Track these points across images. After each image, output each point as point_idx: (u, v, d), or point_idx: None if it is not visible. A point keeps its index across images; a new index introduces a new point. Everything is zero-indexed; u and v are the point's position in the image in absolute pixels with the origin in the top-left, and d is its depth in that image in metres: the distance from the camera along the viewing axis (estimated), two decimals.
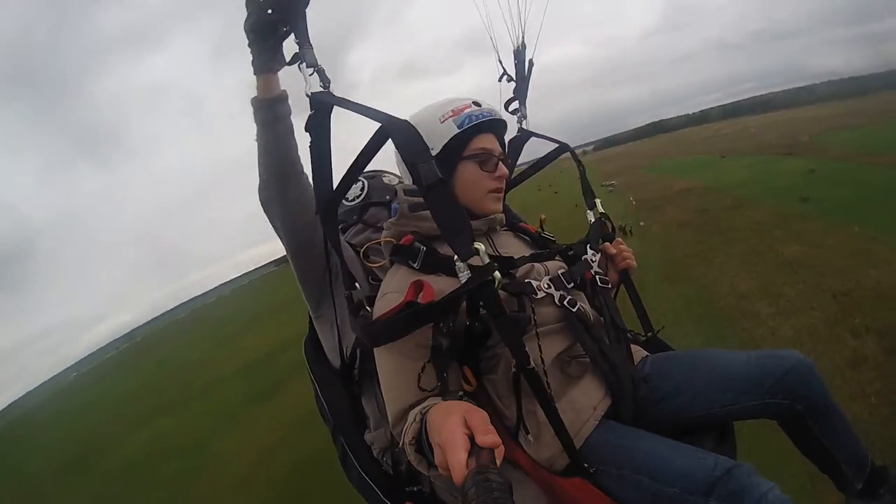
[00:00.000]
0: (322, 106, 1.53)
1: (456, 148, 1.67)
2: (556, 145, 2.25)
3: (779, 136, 26.93)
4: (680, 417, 1.63)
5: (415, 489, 1.75)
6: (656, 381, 1.70)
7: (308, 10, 1.55)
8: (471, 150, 1.68)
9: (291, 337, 12.03)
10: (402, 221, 1.74)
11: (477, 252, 1.28)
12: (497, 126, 1.77)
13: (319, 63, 1.57)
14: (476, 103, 1.72)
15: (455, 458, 0.93)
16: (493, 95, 2.34)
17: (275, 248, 2.31)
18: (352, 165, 1.53)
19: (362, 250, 2.06)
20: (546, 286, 1.61)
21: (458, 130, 1.65)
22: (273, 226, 1.87)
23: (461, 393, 1.47)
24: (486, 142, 1.71)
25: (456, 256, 1.29)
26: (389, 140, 1.41)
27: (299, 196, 1.80)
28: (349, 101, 1.50)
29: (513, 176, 2.31)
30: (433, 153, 1.59)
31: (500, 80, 2.40)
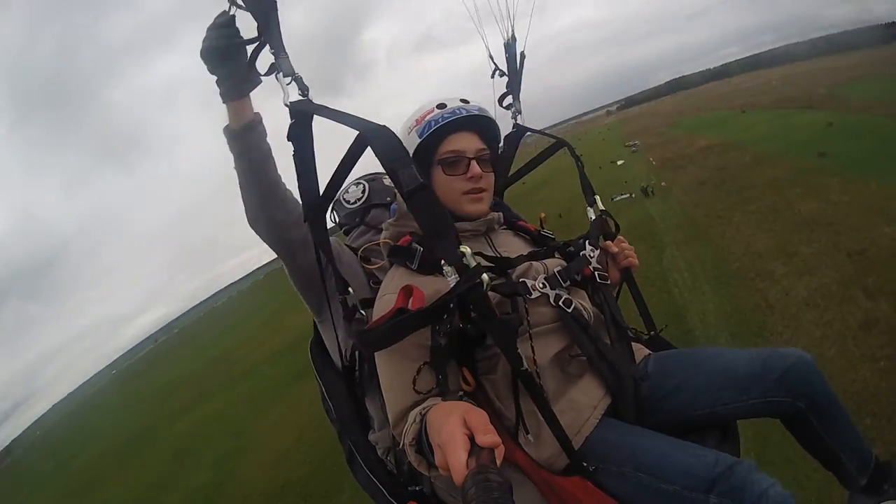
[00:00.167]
0: (302, 115, 1.49)
1: (425, 156, 1.63)
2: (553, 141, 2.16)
3: (798, 90, 26.00)
4: (683, 416, 1.58)
5: (417, 489, 1.74)
6: (659, 379, 1.64)
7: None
8: (439, 155, 1.64)
9: None
10: (399, 222, 1.71)
11: (463, 255, 1.24)
12: (469, 123, 1.66)
13: (297, 71, 1.51)
14: (441, 105, 1.65)
15: (455, 458, 0.91)
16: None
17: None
18: (334, 174, 1.50)
19: (360, 252, 2.04)
20: (541, 285, 1.56)
21: (420, 140, 1.62)
22: (265, 243, 1.85)
23: (461, 393, 1.45)
24: (457, 143, 1.64)
25: (442, 260, 1.26)
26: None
27: (286, 217, 1.78)
28: (328, 108, 1.46)
29: (510, 172, 2.26)
30: None
31: (492, 77, 2.30)
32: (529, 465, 1.42)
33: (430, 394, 1.37)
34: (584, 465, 1.39)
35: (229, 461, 9.30)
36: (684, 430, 1.53)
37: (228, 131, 1.68)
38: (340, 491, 5.78)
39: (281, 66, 1.50)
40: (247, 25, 1.53)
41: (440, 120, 1.61)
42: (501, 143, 2.20)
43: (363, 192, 2.25)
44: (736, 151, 14.49)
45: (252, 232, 1.81)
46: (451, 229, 1.27)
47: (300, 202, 1.57)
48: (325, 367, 2.03)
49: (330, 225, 1.93)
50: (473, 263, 1.24)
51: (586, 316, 1.59)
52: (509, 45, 2.29)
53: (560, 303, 1.55)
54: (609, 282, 1.79)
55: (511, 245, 1.74)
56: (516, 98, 2.30)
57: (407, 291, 1.36)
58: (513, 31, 2.27)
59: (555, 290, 1.57)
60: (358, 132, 1.34)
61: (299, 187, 1.52)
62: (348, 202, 2.26)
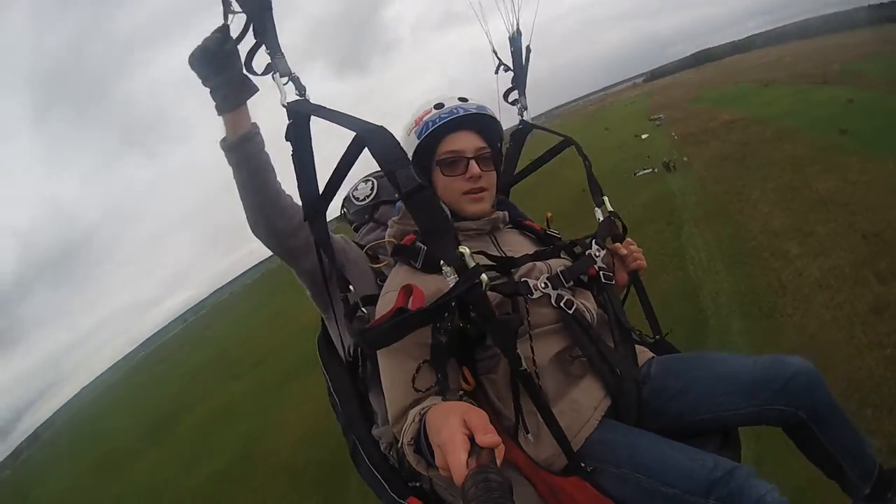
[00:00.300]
0: (299, 116, 1.45)
1: (425, 157, 1.61)
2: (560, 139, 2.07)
3: (812, 65, 24.93)
4: (684, 420, 1.55)
5: (417, 485, 1.73)
6: (661, 382, 1.60)
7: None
8: (438, 156, 1.61)
9: None
10: (403, 221, 1.68)
11: (462, 256, 1.21)
12: (468, 122, 1.62)
13: (293, 71, 1.47)
14: (438, 105, 1.61)
15: (455, 458, 0.89)
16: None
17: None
18: (332, 175, 1.48)
19: (366, 249, 2.00)
20: (543, 285, 1.52)
21: (418, 141, 1.59)
22: (268, 249, 1.83)
23: (461, 392, 1.43)
24: (455, 143, 1.61)
25: (441, 261, 1.23)
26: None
27: (286, 225, 1.76)
28: (325, 108, 1.42)
29: (516, 171, 2.20)
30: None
31: (496, 72, 2.22)
32: (528, 465, 1.41)
33: (429, 391, 1.36)
34: (583, 465, 1.37)
35: (248, 441, 9.55)
36: (685, 434, 1.50)
37: (225, 144, 1.65)
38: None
39: (277, 66, 1.47)
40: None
41: (437, 120, 1.58)
42: (508, 141, 2.16)
43: (372, 188, 2.23)
44: (758, 126, 14.08)
45: None
46: (450, 229, 1.26)
47: (301, 207, 1.55)
48: (331, 362, 2.02)
49: (331, 219, 1.90)
50: (472, 263, 1.22)
51: (588, 317, 1.56)
52: (514, 39, 2.20)
53: (562, 304, 1.52)
54: (614, 282, 1.75)
55: (516, 244, 1.71)
56: (522, 94, 2.23)
57: (407, 291, 1.35)
58: (518, 24, 2.19)
59: (557, 290, 1.54)
60: (355, 133, 1.31)
61: (298, 187, 1.50)
62: (358, 199, 2.24)
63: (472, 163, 1.60)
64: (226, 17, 1.49)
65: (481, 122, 1.65)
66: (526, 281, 1.51)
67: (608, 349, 1.56)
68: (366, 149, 1.31)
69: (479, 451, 0.90)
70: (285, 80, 1.47)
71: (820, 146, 9.58)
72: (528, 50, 2.22)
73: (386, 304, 1.47)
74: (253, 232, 1.77)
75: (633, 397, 1.53)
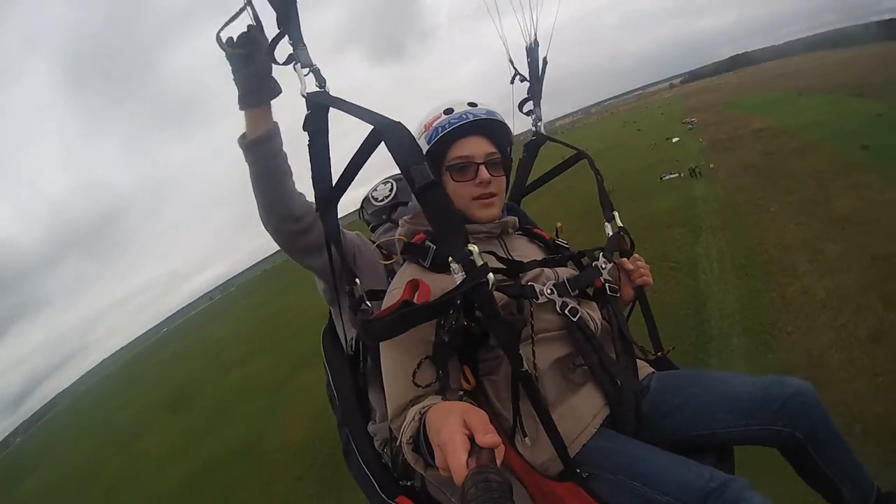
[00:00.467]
0: (318, 107, 1.43)
1: (435, 163, 1.56)
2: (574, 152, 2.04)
3: (851, 75, 24.03)
4: (681, 435, 1.52)
5: (409, 484, 1.69)
6: (660, 397, 1.57)
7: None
8: (448, 161, 1.58)
9: None
10: (414, 220, 1.66)
11: (471, 254, 1.19)
12: (478, 127, 1.59)
13: (315, 63, 1.44)
14: (448, 110, 1.58)
15: (455, 458, 0.88)
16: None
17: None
18: (347, 167, 1.46)
19: (377, 244, 1.93)
20: (549, 291, 1.50)
21: (428, 146, 1.56)
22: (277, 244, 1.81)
23: (461, 392, 1.41)
24: (464, 148, 1.58)
25: (450, 258, 1.22)
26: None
27: (296, 226, 1.74)
28: (344, 101, 1.41)
29: (528, 181, 2.17)
30: None
31: (511, 82, 2.18)
32: (523, 468, 1.39)
33: (429, 388, 1.34)
34: (578, 471, 1.35)
35: (264, 416, 9.74)
36: (682, 449, 1.46)
37: (243, 141, 1.63)
38: None
39: (299, 56, 1.44)
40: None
41: (447, 126, 1.55)
42: (522, 152, 2.15)
43: (391, 190, 2.21)
44: (785, 137, 13.73)
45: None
46: (460, 227, 1.23)
47: (314, 205, 1.52)
48: (334, 356, 2.00)
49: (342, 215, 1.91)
50: (480, 262, 1.20)
51: (592, 326, 1.54)
52: (531, 50, 2.16)
53: (566, 311, 1.50)
54: (619, 295, 1.73)
55: (524, 250, 1.70)
56: (537, 105, 2.19)
57: (413, 285, 1.33)
58: (535, 34, 2.15)
59: (562, 297, 1.52)
60: (372, 127, 1.30)
61: (312, 178, 1.47)
62: (376, 200, 2.22)
63: (482, 168, 1.58)
64: (254, 10, 1.48)
65: (491, 127, 1.62)
66: (532, 285, 1.49)
67: (610, 360, 1.53)
68: (379, 143, 1.31)
69: (479, 452, 0.89)
70: (306, 70, 1.45)
71: (843, 161, 9.31)
72: (545, 61, 2.18)
73: (392, 299, 1.45)
74: (264, 226, 1.75)
75: (632, 408, 1.51)
